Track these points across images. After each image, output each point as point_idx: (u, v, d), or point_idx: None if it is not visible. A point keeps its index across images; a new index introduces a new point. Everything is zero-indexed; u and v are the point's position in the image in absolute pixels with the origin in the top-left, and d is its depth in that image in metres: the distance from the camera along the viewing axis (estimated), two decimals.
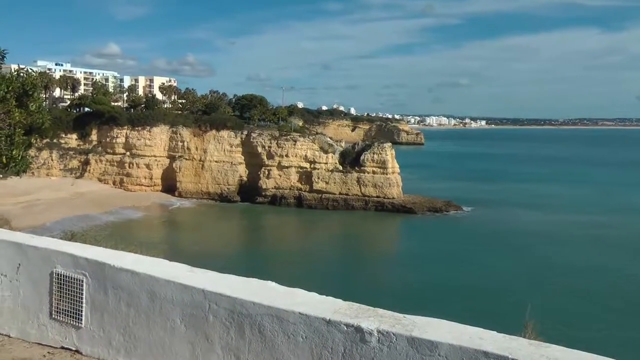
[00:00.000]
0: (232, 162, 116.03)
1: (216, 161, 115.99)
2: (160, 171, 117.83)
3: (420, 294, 53.78)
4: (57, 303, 6.57)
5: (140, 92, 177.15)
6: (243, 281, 5.72)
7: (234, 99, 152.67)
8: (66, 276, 6.49)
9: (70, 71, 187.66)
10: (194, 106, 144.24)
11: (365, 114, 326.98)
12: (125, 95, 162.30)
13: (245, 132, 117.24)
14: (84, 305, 6.39)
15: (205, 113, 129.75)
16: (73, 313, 6.46)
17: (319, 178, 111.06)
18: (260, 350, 5.12)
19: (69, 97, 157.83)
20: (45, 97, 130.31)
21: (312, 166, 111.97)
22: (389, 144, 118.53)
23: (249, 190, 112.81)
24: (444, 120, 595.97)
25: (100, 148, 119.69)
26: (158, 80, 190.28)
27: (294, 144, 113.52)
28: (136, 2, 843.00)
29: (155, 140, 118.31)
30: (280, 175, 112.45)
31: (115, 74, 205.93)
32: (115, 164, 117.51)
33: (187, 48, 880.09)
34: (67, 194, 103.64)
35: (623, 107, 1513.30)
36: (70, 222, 74.04)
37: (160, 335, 5.81)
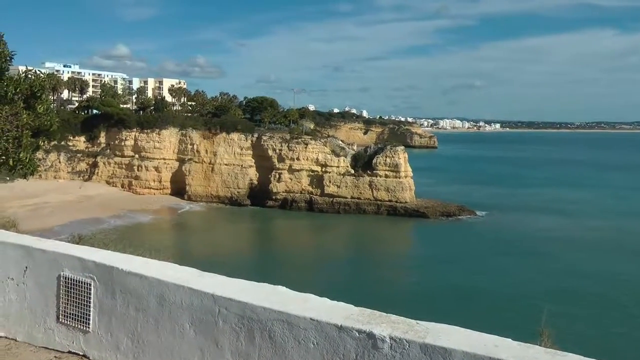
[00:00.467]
0: (242, 165, 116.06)
1: (226, 164, 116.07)
2: (169, 174, 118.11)
3: (433, 299, 53.63)
4: (65, 307, 6.51)
5: (150, 94, 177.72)
6: (253, 286, 5.65)
7: (244, 101, 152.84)
8: (74, 280, 6.44)
9: (79, 73, 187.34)
10: (204, 108, 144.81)
11: (378, 116, 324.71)
12: (134, 97, 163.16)
13: (255, 135, 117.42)
14: (91, 309, 6.33)
15: (215, 115, 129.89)
16: (80, 317, 6.39)
17: (330, 182, 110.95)
18: (271, 356, 5.05)
19: (77, 99, 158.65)
20: (54, 99, 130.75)
21: (323, 169, 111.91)
22: (402, 147, 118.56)
23: (259, 194, 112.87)
24: (458, 123, 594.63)
25: (108, 150, 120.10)
26: (167, 82, 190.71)
27: (305, 147, 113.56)
28: (145, 3, 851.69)
29: (165, 143, 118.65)
30: (291, 179, 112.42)
31: (124, 75, 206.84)
32: (124, 166, 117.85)
33: (197, 49, 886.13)
34: (74, 196, 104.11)
35: None
36: (78, 225, 74.45)
37: (169, 340, 5.75)
